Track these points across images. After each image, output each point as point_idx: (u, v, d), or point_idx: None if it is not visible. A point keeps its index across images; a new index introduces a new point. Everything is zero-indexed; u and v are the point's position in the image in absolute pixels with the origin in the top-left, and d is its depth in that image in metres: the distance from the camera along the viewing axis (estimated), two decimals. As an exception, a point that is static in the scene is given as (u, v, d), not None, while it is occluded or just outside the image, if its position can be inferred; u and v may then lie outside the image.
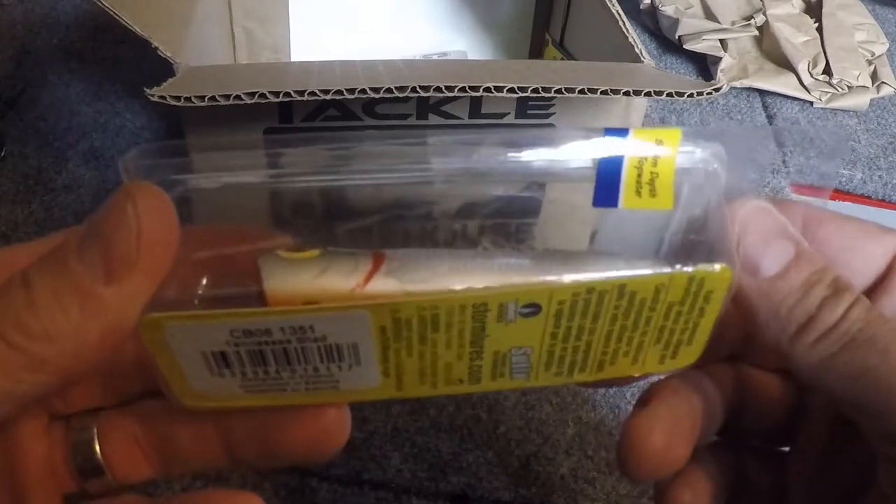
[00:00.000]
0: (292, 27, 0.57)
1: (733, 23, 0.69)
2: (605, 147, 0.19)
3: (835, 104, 0.65)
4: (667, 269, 0.18)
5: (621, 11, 0.45)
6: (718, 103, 0.64)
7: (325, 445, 0.20)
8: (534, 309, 0.18)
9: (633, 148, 0.19)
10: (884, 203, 0.60)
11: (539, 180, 0.21)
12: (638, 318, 0.19)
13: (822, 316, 0.19)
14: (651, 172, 0.19)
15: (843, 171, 0.60)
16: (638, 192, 0.19)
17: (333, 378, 0.19)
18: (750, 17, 0.70)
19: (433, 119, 0.40)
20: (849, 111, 0.65)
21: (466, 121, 0.40)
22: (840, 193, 0.60)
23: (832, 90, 0.65)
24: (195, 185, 0.19)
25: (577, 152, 0.19)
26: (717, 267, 0.18)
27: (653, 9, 0.71)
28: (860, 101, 0.65)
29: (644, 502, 0.38)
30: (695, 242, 0.20)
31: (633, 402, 0.24)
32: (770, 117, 0.64)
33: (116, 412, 0.21)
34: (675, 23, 0.68)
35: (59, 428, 0.21)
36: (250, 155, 0.19)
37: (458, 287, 0.18)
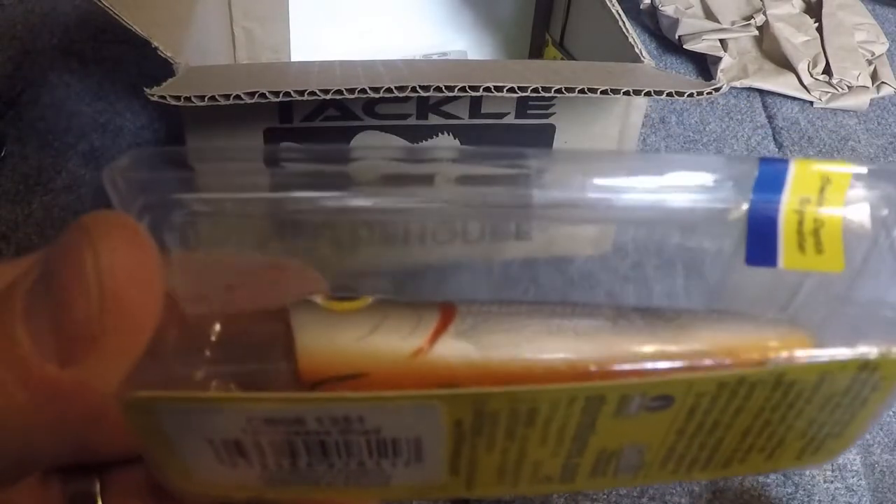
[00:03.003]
0: (292, 27, 0.57)
1: (733, 23, 0.69)
2: (759, 189, 0.15)
3: (835, 104, 0.65)
4: (861, 351, 0.14)
5: (621, 11, 0.45)
6: (718, 103, 0.64)
7: None
8: (665, 402, 0.14)
9: (793, 191, 0.15)
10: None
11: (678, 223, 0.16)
12: (788, 411, 0.15)
13: None
14: (815, 220, 0.15)
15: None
16: (801, 248, 0.15)
17: (384, 474, 0.15)
18: (750, 17, 0.70)
19: (433, 119, 0.40)
20: (849, 111, 0.65)
21: (466, 121, 0.40)
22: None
23: (832, 90, 0.65)
24: (201, 207, 0.14)
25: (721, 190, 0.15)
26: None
27: (653, 9, 0.70)
28: (860, 101, 0.65)
29: (644, 502, 0.38)
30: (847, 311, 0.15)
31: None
32: (770, 117, 0.64)
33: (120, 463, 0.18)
34: (675, 23, 0.68)
35: (55, 480, 0.17)
36: (260, 168, 0.15)
37: (556, 354, 0.14)
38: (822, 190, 0.14)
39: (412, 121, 0.40)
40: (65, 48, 0.61)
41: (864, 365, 0.14)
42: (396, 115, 0.40)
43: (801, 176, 0.14)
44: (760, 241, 0.15)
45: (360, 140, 0.40)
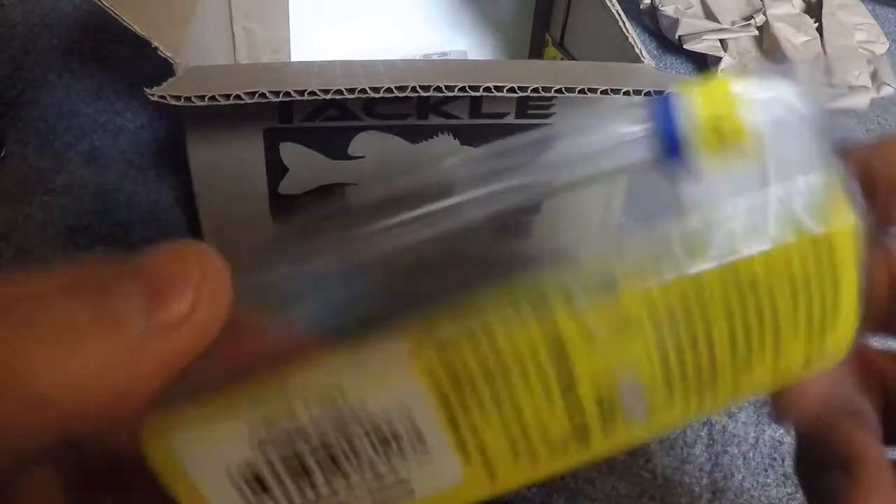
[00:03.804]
0: (292, 27, 0.57)
1: (733, 23, 0.69)
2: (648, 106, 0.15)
3: (835, 104, 0.65)
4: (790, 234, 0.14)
5: (621, 11, 0.45)
6: (718, 103, 0.64)
7: None
8: (608, 287, 0.14)
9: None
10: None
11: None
12: (760, 309, 0.15)
13: None
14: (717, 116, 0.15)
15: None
16: (709, 148, 0.15)
17: (402, 480, 0.14)
18: (750, 17, 0.70)
19: (433, 119, 0.40)
20: (849, 111, 0.65)
21: (466, 121, 0.40)
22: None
23: (832, 90, 0.65)
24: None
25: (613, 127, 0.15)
26: (847, 219, 0.15)
27: (653, 9, 0.70)
28: (860, 101, 0.65)
29: (644, 502, 0.38)
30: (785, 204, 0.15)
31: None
32: (770, 117, 0.64)
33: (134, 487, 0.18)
34: (675, 23, 0.68)
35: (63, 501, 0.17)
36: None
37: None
38: (713, 104, 0.15)
39: (412, 121, 0.40)
40: (65, 48, 0.61)
41: (814, 241, 0.14)
42: (396, 115, 0.40)
43: (690, 101, 0.15)
44: (672, 158, 0.15)
45: (360, 140, 0.40)
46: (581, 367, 0.14)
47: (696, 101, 0.15)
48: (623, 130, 0.15)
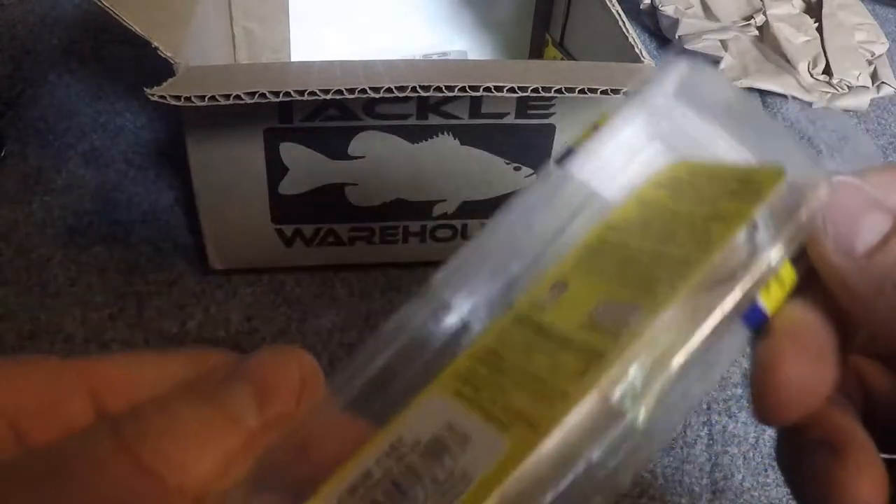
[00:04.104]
0: (292, 27, 0.57)
1: (733, 23, 0.69)
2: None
3: (835, 104, 0.65)
4: None
5: (621, 11, 0.45)
6: (718, 103, 0.64)
7: None
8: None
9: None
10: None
11: None
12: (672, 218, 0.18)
13: None
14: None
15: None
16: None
17: (460, 474, 0.15)
18: (750, 17, 0.70)
19: (433, 119, 0.40)
20: (849, 111, 0.65)
21: (466, 121, 0.40)
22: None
23: (832, 90, 0.65)
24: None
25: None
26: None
27: (653, 9, 0.71)
28: (860, 101, 0.65)
29: (644, 502, 0.38)
30: None
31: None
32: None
33: None
34: (675, 23, 0.68)
35: None
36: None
37: None
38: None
39: (412, 121, 0.40)
40: (65, 48, 0.61)
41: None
42: (396, 115, 0.40)
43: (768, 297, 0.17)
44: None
45: (360, 140, 0.40)
46: (559, 324, 0.17)
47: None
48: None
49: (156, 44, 0.35)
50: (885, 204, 0.18)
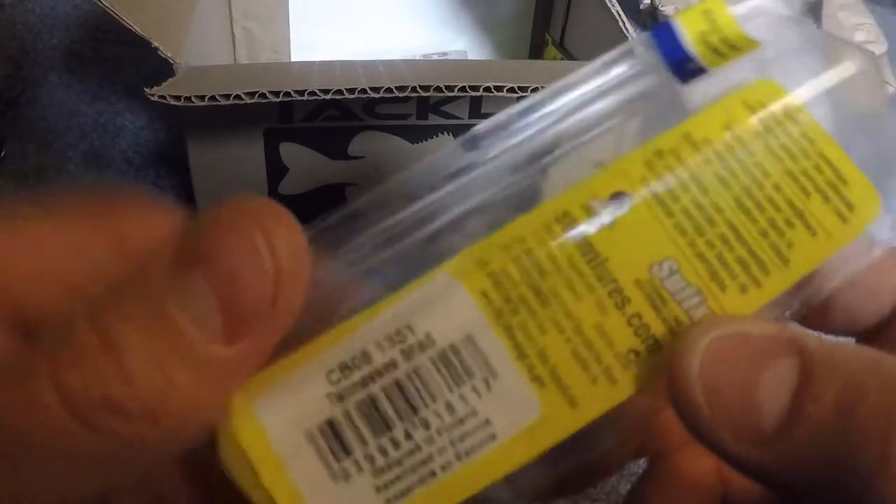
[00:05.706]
0: (292, 27, 0.57)
1: (733, 23, 0.69)
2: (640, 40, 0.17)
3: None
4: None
5: (621, 11, 0.45)
6: (718, 103, 0.64)
7: None
8: (620, 200, 0.15)
9: (689, 33, 0.17)
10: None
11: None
12: (751, 176, 0.15)
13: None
14: (718, 34, 0.16)
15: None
16: (719, 54, 0.16)
17: (482, 422, 0.14)
18: (750, 18, 0.70)
19: (433, 119, 0.40)
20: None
21: (466, 121, 0.40)
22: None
23: (832, 90, 0.65)
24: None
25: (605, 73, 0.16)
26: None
27: (653, 9, 0.70)
28: (860, 101, 0.65)
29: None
30: None
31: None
32: (770, 117, 0.64)
33: None
34: (675, 23, 0.68)
35: None
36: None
37: None
38: (709, 20, 0.16)
39: (412, 121, 0.40)
40: (65, 48, 0.61)
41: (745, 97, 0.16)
42: (396, 115, 0.40)
43: (687, 21, 0.16)
44: (684, 68, 0.16)
45: (360, 140, 0.40)
46: (615, 262, 0.15)
47: (691, 20, 0.17)
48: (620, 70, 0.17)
49: (156, 44, 0.35)
50: (781, 336, 0.14)
